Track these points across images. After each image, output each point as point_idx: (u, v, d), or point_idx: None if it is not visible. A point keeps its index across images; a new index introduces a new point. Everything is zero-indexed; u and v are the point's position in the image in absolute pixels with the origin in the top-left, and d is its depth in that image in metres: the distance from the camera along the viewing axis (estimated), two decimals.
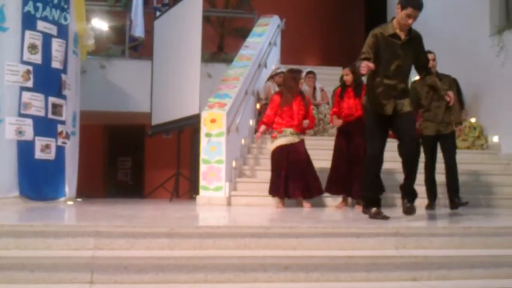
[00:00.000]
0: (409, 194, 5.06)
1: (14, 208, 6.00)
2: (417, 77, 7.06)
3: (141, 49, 11.49)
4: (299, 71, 7.23)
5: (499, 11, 9.18)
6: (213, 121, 7.43)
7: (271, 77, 9.86)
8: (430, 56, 6.28)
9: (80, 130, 8.28)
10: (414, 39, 5.05)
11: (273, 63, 11.10)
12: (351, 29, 16.51)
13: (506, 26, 8.84)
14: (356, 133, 6.57)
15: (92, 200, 8.41)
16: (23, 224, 4.21)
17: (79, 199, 8.02)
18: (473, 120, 9.33)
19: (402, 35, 4.98)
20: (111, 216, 5.08)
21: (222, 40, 12.73)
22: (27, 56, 7.05)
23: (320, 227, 4.22)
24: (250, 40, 10.34)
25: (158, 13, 10.78)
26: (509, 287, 3.79)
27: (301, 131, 7.01)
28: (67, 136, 7.55)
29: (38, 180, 7.03)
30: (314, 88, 9.89)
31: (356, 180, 6.55)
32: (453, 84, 7.08)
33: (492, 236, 4.27)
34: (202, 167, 7.36)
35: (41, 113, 7.13)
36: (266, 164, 7.47)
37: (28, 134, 6.99)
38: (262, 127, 7.08)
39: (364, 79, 5.49)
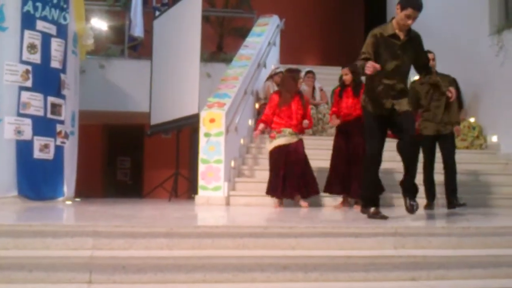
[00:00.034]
0: (410, 191, 5.08)
1: (12, 208, 6.00)
2: (416, 77, 7.08)
3: (141, 48, 11.50)
4: (298, 71, 7.23)
5: (498, 11, 9.19)
6: (212, 120, 7.43)
7: (271, 77, 9.86)
8: (429, 56, 6.29)
9: (79, 130, 8.28)
10: (413, 39, 5.05)
11: (273, 63, 11.10)
12: (350, 29, 16.52)
13: (505, 26, 8.84)
14: (355, 133, 6.58)
15: (90, 200, 8.40)
16: (21, 224, 4.21)
17: (77, 199, 8.01)
18: (472, 119, 9.33)
19: (402, 35, 4.98)
20: (110, 216, 5.08)
21: (221, 39, 12.73)
22: (26, 55, 7.05)
23: (318, 227, 4.22)
24: (249, 39, 10.33)
25: (157, 13, 10.79)
26: (508, 287, 3.79)
27: (300, 131, 7.00)
28: (66, 136, 7.55)
29: (36, 180, 7.02)
30: (313, 88, 9.89)
31: (355, 179, 6.56)
32: (453, 84, 7.05)
33: (491, 236, 4.27)
34: (201, 167, 7.36)
35: (40, 113, 7.13)
36: (264, 164, 7.46)
37: (27, 133, 6.98)
38: (261, 125, 7.07)
39: (363, 78, 5.49)
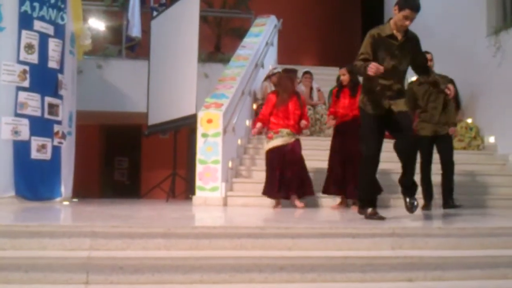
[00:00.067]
0: (409, 189, 5.09)
1: (9, 208, 5.99)
2: (413, 78, 7.10)
3: (138, 49, 11.49)
4: (295, 71, 7.24)
5: (496, 12, 9.21)
6: (209, 121, 7.42)
7: (268, 77, 9.87)
8: (427, 56, 6.29)
9: (76, 130, 8.27)
10: (411, 40, 5.05)
11: (270, 63, 11.12)
12: (348, 30, 16.52)
13: (502, 27, 8.86)
14: (352, 133, 6.56)
15: (88, 200, 8.40)
16: (18, 224, 4.20)
17: (75, 199, 8.01)
18: (469, 120, 9.34)
19: (399, 36, 4.99)
20: (107, 217, 5.08)
21: (219, 40, 12.73)
22: (23, 56, 7.04)
23: (316, 228, 4.21)
24: (247, 40, 10.34)
25: (155, 13, 10.78)
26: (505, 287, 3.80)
27: (297, 131, 7.00)
28: (63, 136, 7.54)
29: (34, 180, 7.02)
30: (311, 88, 9.90)
31: (351, 180, 6.56)
32: None
33: (488, 237, 4.27)
34: (199, 167, 7.35)
35: (38, 113, 7.12)
36: (262, 164, 7.46)
37: (24, 134, 6.97)
38: (258, 124, 7.04)
39: (360, 79, 5.49)
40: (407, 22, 4.88)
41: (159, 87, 9.54)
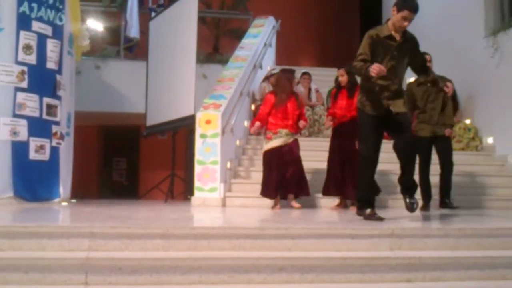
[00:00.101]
0: (409, 189, 5.09)
1: (8, 209, 5.98)
2: (412, 79, 7.10)
3: (136, 49, 11.48)
4: (292, 71, 7.22)
5: (494, 13, 9.22)
6: (208, 122, 7.42)
7: (266, 78, 9.86)
8: (426, 57, 6.30)
9: (74, 131, 8.26)
10: (409, 40, 5.06)
11: (269, 64, 11.11)
12: (346, 31, 16.54)
13: (501, 28, 8.87)
14: (350, 134, 6.55)
15: (86, 201, 8.39)
16: (17, 225, 4.20)
17: (73, 200, 8.00)
18: (468, 121, 9.35)
19: (397, 37, 4.99)
20: (106, 217, 5.07)
21: (217, 41, 12.72)
22: (22, 56, 7.04)
23: (315, 228, 4.21)
24: (245, 41, 10.34)
25: (153, 14, 10.77)
26: None
27: (296, 131, 7.00)
28: (62, 137, 7.54)
29: (32, 181, 7.01)
30: (309, 89, 9.91)
31: (349, 181, 6.56)
32: None
33: (486, 238, 4.27)
34: (197, 168, 7.35)
35: (36, 114, 7.12)
36: (260, 165, 7.43)
37: (23, 134, 6.97)
38: (257, 123, 6.98)
39: (358, 80, 5.49)
40: (405, 23, 4.88)
41: (157, 88, 9.54)
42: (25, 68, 7.05)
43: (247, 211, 6.28)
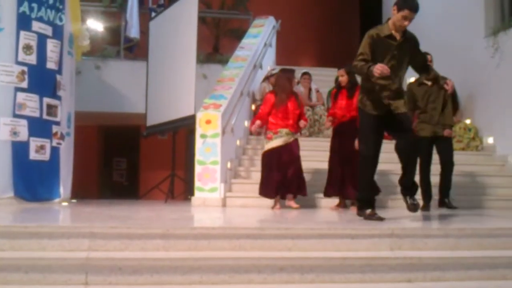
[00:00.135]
0: (409, 190, 5.09)
1: (8, 209, 5.98)
2: (412, 79, 7.11)
3: (136, 50, 11.48)
4: (292, 71, 7.21)
5: (494, 13, 9.22)
6: (208, 122, 7.42)
7: (267, 78, 9.86)
8: (427, 57, 6.30)
9: (75, 131, 8.26)
10: (409, 40, 5.06)
11: (269, 64, 11.11)
12: (346, 30, 16.53)
13: (501, 28, 8.87)
14: (350, 134, 6.55)
15: (86, 201, 8.39)
16: (17, 225, 4.20)
17: (73, 200, 7.99)
18: (468, 121, 9.35)
19: (398, 36, 4.99)
20: (106, 217, 5.07)
21: (217, 41, 12.71)
22: (22, 56, 7.04)
23: (315, 229, 4.21)
24: (245, 41, 10.33)
25: (153, 14, 10.77)
26: None
27: (296, 130, 6.99)
28: (62, 137, 7.54)
29: (32, 181, 7.01)
30: (310, 89, 9.91)
31: (349, 181, 6.56)
32: None
33: (487, 238, 4.27)
34: (197, 168, 7.35)
35: (36, 114, 7.12)
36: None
37: (23, 134, 6.97)
38: (257, 121, 6.96)
39: (358, 80, 5.49)
40: (406, 23, 4.88)
41: (157, 88, 9.54)
42: (25, 68, 7.05)
43: (247, 211, 6.28)
